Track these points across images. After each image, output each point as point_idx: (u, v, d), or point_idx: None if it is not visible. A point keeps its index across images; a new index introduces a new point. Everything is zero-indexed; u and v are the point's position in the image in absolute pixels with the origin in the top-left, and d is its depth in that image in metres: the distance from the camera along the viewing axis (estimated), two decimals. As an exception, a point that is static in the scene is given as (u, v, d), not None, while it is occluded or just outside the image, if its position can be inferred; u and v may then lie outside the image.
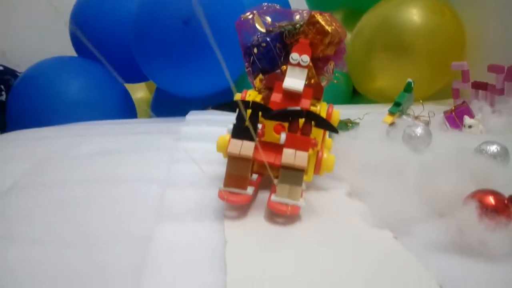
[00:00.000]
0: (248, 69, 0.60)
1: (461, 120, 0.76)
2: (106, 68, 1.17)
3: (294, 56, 0.52)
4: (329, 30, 0.53)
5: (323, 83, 0.58)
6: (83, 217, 0.49)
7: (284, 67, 0.56)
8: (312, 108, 0.54)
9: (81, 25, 1.25)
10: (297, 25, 0.57)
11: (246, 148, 0.46)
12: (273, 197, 0.45)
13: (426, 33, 1.08)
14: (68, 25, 1.30)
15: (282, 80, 0.52)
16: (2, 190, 0.57)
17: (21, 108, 1.12)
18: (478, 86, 0.97)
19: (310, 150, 0.48)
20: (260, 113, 0.47)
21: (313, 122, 0.47)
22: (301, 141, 0.46)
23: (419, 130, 0.62)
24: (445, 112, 0.80)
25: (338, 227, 0.45)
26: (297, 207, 0.44)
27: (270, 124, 0.52)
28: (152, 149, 0.73)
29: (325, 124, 0.48)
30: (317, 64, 0.57)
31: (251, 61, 0.59)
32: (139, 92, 1.79)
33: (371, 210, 0.46)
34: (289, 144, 0.46)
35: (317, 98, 0.55)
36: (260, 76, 0.59)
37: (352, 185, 0.52)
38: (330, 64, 0.57)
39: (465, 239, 0.39)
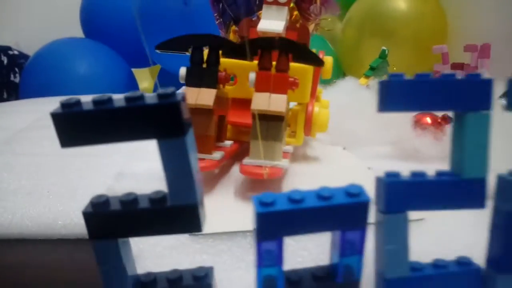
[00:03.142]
0: (219, 20, 0.50)
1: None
2: (112, 49, 1.26)
3: None
4: None
5: (311, 28, 0.48)
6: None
7: (261, 12, 0.44)
8: None
9: (92, 11, 1.34)
10: None
11: (204, 96, 0.35)
12: (245, 159, 0.36)
13: (410, 20, 1.16)
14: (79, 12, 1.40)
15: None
16: (16, 129, 0.66)
17: (33, 83, 1.21)
18: (456, 67, 1.04)
19: (296, 99, 0.39)
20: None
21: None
22: (277, 80, 0.35)
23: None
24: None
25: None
26: (277, 168, 0.35)
27: (244, 76, 0.39)
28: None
29: (307, 55, 0.37)
30: (301, 5, 0.47)
31: (220, 10, 0.49)
32: (144, 82, 1.88)
33: (329, 136, 0.53)
34: (260, 85, 0.35)
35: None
36: (233, 27, 0.49)
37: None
38: (316, 1, 0.46)
39: (402, 148, 0.46)
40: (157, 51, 0.37)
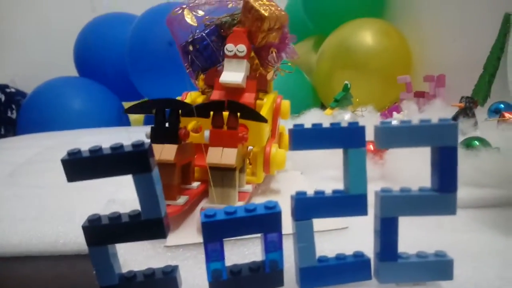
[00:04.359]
0: (189, 70, 0.55)
1: (392, 115, 0.93)
2: (104, 86, 1.36)
3: (229, 47, 0.48)
4: (266, 14, 0.48)
5: (271, 74, 0.54)
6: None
7: None
8: (258, 102, 0.51)
9: (85, 50, 1.45)
10: (236, 16, 0.53)
11: (167, 152, 0.41)
12: (204, 204, 0.42)
13: (377, 53, 1.27)
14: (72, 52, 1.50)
15: None
16: (18, 163, 0.74)
17: (31, 119, 1.30)
18: (418, 95, 1.15)
19: (255, 146, 0.45)
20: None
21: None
22: (227, 136, 0.42)
23: (346, 115, 0.79)
24: (381, 112, 0.98)
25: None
26: None
27: (206, 126, 0.45)
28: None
29: (252, 114, 0.43)
30: (261, 54, 0.53)
31: (190, 60, 0.54)
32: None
33: (290, 162, 0.62)
34: (214, 141, 0.42)
35: (263, 91, 0.52)
36: (202, 76, 0.54)
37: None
38: (272, 52, 0.52)
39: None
40: (127, 114, 0.44)
